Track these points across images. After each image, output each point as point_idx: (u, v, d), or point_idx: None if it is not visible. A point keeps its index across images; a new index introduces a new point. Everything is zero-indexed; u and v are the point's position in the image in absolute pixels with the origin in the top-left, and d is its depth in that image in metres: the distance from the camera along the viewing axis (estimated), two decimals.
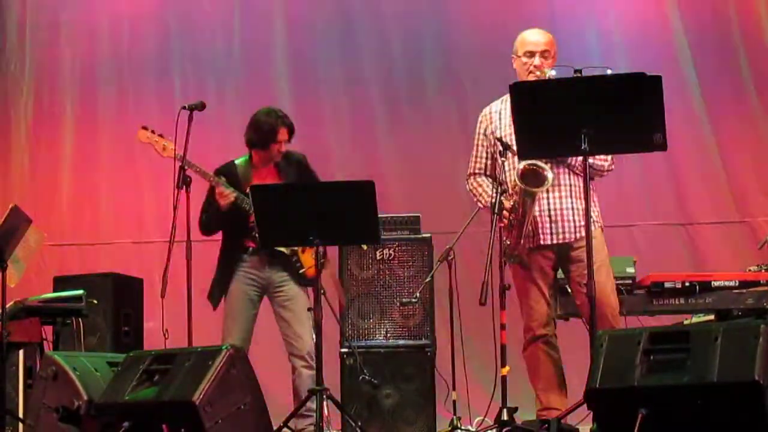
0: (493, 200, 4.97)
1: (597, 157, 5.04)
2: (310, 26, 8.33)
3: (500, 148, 5.13)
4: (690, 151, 7.82)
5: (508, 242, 5.08)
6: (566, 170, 5.12)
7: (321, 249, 5.17)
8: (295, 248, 5.73)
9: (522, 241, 5.08)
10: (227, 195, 5.62)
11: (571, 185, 5.12)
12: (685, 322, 5.93)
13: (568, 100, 4.55)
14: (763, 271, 5.81)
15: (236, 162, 5.85)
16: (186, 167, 5.44)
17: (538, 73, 5.13)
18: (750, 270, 5.91)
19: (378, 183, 4.96)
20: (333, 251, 6.28)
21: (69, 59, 8.43)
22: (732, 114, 7.94)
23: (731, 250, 7.65)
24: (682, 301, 5.74)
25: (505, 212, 5.01)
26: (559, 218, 5.11)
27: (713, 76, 7.94)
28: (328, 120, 8.20)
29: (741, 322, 4.97)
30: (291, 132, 5.78)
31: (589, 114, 4.49)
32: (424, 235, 6.41)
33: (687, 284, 5.72)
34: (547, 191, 5.08)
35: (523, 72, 5.19)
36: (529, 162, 4.96)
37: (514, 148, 4.93)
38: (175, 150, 5.49)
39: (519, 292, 5.23)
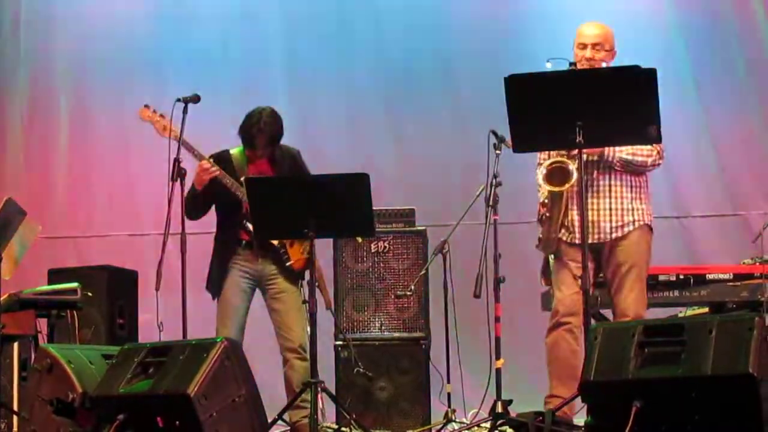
0: (487, 193, 4.97)
1: (637, 151, 4.99)
2: (306, 19, 8.31)
3: (494, 140, 5.13)
4: (684, 144, 7.80)
5: (541, 235, 5.08)
6: (605, 171, 5.05)
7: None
8: (284, 240, 5.71)
9: (554, 236, 5.04)
10: (210, 170, 5.56)
11: (610, 185, 5.05)
12: (680, 315, 5.94)
13: (563, 92, 4.55)
14: (757, 263, 5.83)
15: (231, 151, 5.82)
16: (183, 147, 5.42)
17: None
18: (744, 263, 5.93)
19: (373, 176, 4.96)
20: (328, 244, 6.29)
21: (64, 52, 8.40)
22: (726, 107, 7.92)
23: (725, 243, 7.64)
24: (676, 293, 5.75)
25: (539, 206, 5.02)
26: (594, 218, 5.02)
27: (708, 69, 7.93)
28: (323, 113, 8.18)
29: (735, 315, 4.99)
30: (270, 138, 5.68)
31: (583, 106, 4.50)
32: (418, 228, 6.42)
33: (681, 277, 5.73)
34: (585, 191, 5.01)
35: (578, 62, 5.10)
36: (555, 160, 4.93)
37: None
38: (171, 131, 5.47)
39: (553, 280, 5.18)
